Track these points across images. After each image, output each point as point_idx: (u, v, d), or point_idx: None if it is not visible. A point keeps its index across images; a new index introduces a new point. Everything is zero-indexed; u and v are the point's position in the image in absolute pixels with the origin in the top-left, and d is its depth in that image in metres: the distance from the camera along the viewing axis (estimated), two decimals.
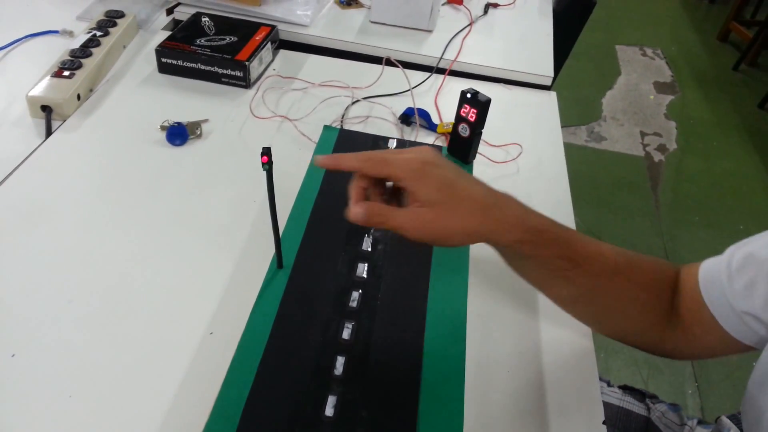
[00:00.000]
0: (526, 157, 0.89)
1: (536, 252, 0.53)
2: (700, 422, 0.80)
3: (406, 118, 0.93)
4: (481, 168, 0.85)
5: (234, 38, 1.00)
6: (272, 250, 0.59)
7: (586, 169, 2.38)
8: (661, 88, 2.97)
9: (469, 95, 0.71)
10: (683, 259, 1.86)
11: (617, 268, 0.57)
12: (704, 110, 2.84)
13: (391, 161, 0.50)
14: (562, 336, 0.66)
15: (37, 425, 0.53)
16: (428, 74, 1.04)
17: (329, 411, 0.48)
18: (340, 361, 0.52)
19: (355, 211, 0.49)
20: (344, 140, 0.76)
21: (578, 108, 2.74)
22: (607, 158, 2.46)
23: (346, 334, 0.54)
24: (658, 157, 2.49)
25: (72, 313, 0.62)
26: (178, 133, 0.84)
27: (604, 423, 0.58)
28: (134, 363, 0.58)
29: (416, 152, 0.51)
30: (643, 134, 2.61)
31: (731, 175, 2.44)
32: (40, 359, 0.58)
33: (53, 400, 0.55)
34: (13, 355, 0.58)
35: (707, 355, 0.59)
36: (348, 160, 0.51)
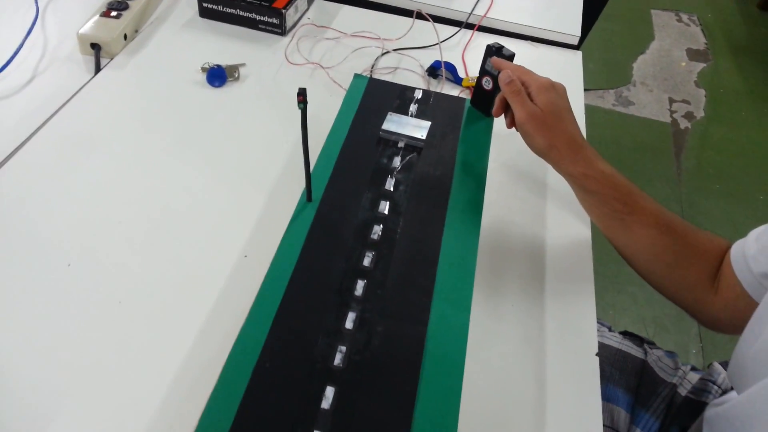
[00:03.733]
0: None
1: (597, 188, 0.67)
2: (693, 368, 0.85)
3: (433, 70, 0.97)
4: (502, 124, 0.87)
5: None
6: (302, 186, 0.64)
7: (610, 132, 2.38)
8: (693, 55, 2.93)
9: (494, 48, 0.75)
10: (699, 225, 1.87)
11: (671, 227, 0.67)
12: (736, 80, 2.81)
13: (533, 73, 0.70)
14: (563, 277, 0.71)
15: (91, 328, 0.60)
16: (457, 29, 1.08)
17: (349, 324, 0.54)
18: (360, 284, 0.57)
19: (507, 74, 0.69)
20: (373, 89, 0.81)
21: (608, 71, 2.73)
22: (632, 123, 2.46)
23: (366, 261, 0.59)
24: (684, 124, 2.48)
25: (121, 233, 0.69)
26: (218, 75, 0.89)
27: (597, 355, 0.63)
28: (178, 280, 0.65)
29: (553, 81, 0.69)
30: (671, 101, 2.60)
31: (757, 145, 2.42)
32: (92, 270, 0.65)
33: (104, 305, 0.62)
34: (69, 265, 0.65)
35: (743, 326, 0.62)
36: (509, 65, 0.72)
